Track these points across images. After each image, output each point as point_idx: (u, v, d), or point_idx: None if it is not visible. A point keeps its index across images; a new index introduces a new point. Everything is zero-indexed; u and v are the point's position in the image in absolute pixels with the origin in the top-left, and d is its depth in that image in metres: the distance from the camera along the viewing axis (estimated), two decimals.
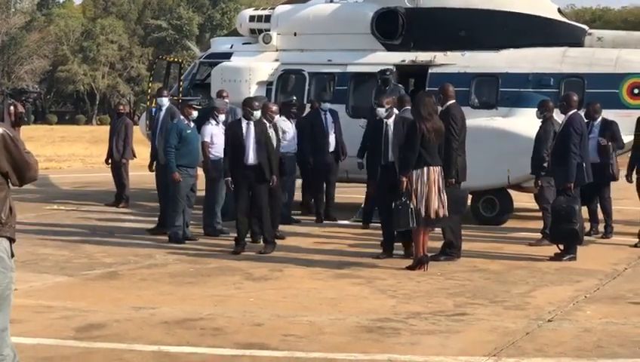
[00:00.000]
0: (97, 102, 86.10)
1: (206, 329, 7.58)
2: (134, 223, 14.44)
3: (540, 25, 15.33)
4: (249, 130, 11.70)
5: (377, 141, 11.40)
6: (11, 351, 5.06)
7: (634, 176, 13.14)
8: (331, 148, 14.79)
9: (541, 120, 12.32)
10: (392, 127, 11.29)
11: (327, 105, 14.89)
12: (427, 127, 10.37)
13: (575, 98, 11.74)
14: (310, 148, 14.64)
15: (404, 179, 10.37)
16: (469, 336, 7.51)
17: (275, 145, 12.05)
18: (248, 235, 12.00)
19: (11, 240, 5.06)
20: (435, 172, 10.43)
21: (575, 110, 11.59)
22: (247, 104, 11.94)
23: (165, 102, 13.91)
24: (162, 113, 13.77)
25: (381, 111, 11.33)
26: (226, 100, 13.92)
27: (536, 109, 12.48)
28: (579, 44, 15.23)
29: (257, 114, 11.81)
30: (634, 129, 13.14)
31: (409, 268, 10.48)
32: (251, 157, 11.64)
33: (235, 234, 11.83)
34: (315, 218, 14.68)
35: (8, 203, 5.03)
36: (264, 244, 11.76)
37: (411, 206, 10.30)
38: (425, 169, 10.38)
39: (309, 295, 9.13)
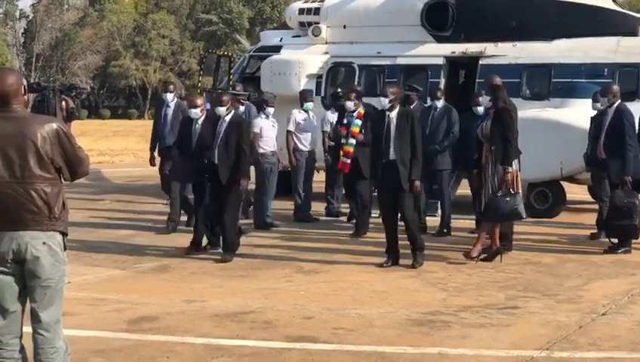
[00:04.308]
0: (149, 97, 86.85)
1: (256, 322, 7.61)
2: (184, 216, 14.50)
3: (593, 14, 15.09)
4: (221, 127, 10.72)
5: (379, 136, 10.34)
6: (64, 344, 5.11)
7: None
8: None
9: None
10: (395, 121, 10.23)
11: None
12: (516, 117, 10.41)
13: (617, 88, 11.56)
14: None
15: (510, 169, 10.26)
16: (520, 330, 7.44)
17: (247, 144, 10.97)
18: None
19: (64, 234, 5.12)
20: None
21: (620, 100, 11.40)
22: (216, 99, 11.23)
23: (170, 97, 13.13)
24: (170, 110, 13.03)
25: (384, 101, 10.26)
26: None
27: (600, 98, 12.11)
28: (633, 33, 14.96)
29: (222, 110, 10.72)
30: None
31: (486, 259, 10.40)
32: (215, 156, 10.67)
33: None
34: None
35: (61, 198, 5.09)
36: (222, 251, 10.77)
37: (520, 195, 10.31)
38: (518, 158, 10.43)
39: (359, 288, 9.11)
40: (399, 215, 10.37)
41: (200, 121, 11.20)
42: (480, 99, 12.05)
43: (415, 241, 10.28)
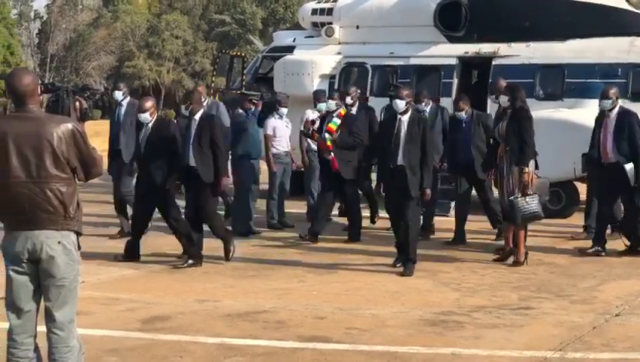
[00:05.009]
0: (162, 97, 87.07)
1: (269, 322, 7.62)
2: None
3: (607, 14, 15.05)
4: (191, 127, 10.45)
5: (388, 139, 10.00)
6: (78, 343, 5.14)
7: None
8: None
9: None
10: (405, 125, 9.94)
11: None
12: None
13: (616, 89, 11.47)
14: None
15: (527, 170, 10.21)
16: (534, 330, 7.42)
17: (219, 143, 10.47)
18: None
19: (78, 234, 5.15)
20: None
21: (620, 102, 11.33)
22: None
23: (120, 95, 12.45)
24: (123, 109, 12.36)
25: (400, 104, 9.95)
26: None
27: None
28: None
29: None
30: None
31: (516, 263, 10.31)
32: (190, 158, 10.36)
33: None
34: None
35: (76, 197, 5.11)
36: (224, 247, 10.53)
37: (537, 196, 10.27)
38: (535, 159, 10.40)
39: (372, 288, 9.12)
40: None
41: (150, 125, 10.47)
42: (462, 103, 11.94)
43: (411, 251, 9.92)
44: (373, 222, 13.19)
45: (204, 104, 11.40)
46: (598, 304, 8.39)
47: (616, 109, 11.15)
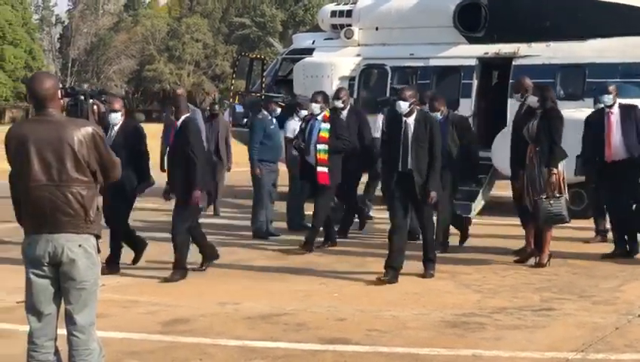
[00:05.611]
0: None
1: (289, 325, 7.61)
2: (218, 219, 14.58)
3: (628, 13, 14.95)
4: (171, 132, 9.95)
5: (395, 143, 9.59)
6: (98, 346, 5.15)
7: None
8: None
9: None
10: (412, 127, 9.54)
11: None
12: None
13: (615, 86, 11.33)
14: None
15: (556, 171, 10.11)
16: (556, 332, 7.38)
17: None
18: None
19: (98, 237, 5.17)
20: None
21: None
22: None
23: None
24: None
25: (403, 106, 9.52)
26: None
27: None
28: None
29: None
30: None
31: (539, 265, 10.20)
32: (166, 163, 9.96)
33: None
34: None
35: (96, 201, 5.13)
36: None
37: (566, 199, 10.16)
38: (565, 160, 10.29)
39: (393, 290, 9.10)
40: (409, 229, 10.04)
41: (116, 128, 9.99)
42: (437, 103, 11.53)
43: (430, 251, 9.77)
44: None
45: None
46: (621, 304, 8.34)
47: (617, 105, 11.06)
